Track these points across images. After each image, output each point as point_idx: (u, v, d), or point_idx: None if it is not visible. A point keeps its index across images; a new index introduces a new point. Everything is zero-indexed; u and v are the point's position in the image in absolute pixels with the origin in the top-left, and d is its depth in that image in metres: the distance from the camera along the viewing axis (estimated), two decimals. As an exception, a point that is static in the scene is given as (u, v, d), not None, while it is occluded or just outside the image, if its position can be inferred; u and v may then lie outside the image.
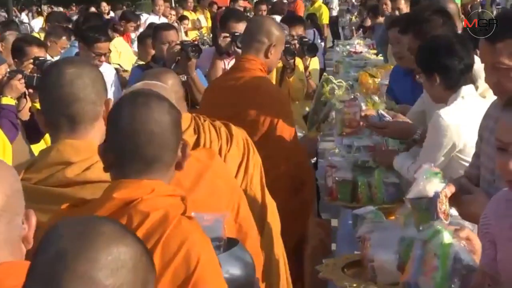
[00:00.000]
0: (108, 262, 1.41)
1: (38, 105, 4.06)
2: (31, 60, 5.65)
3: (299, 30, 6.93)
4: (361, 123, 4.05)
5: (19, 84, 4.92)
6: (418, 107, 4.30)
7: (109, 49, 6.68)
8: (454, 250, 2.09)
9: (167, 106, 2.42)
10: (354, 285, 2.74)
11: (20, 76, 4.99)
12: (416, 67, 3.73)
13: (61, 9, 26.18)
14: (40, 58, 5.64)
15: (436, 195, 2.67)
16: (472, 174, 3.00)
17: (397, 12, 8.32)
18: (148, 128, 2.34)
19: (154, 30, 6.82)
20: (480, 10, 16.98)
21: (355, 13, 14.78)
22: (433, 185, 2.72)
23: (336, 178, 3.96)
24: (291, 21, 6.97)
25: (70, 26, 9.54)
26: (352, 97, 4.19)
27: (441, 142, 3.40)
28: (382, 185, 3.86)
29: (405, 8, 8.15)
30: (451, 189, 2.74)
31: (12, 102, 4.92)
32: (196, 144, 3.35)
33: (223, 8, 13.19)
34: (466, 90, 3.48)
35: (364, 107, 4.05)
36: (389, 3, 10.05)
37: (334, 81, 4.89)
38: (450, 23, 4.36)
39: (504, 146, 2.17)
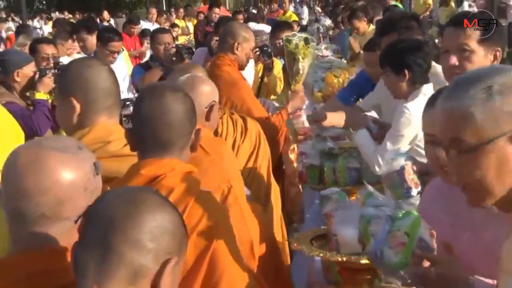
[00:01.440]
0: (153, 227, 1.43)
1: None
2: (43, 55, 5.79)
3: (287, 33, 6.93)
4: (311, 130, 4.08)
5: (50, 80, 5.01)
6: (372, 101, 4.33)
7: (122, 48, 6.70)
8: (421, 231, 2.09)
9: (181, 96, 2.45)
10: (321, 254, 2.76)
11: (50, 73, 5.08)
12: (381, 65, 3.68)
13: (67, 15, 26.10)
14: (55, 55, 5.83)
15: (402, 167, 2.77)
16: None
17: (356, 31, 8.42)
18: (163, 116, 2.37)
19: (152, 33, 7.00)
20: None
21: (326, 23, 14.80)
22: (399, 162, 2.80)
23: (306, 164, 3.98)
24: (281, 26, 6.97)
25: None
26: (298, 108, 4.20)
27: (406, 132, 3.39)
28: (345, 169, 3.88)
29: (362, 26, 8.18)
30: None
31: (45, 96, 5.01)
32: (215, 134, 3.38)
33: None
34: (427, 88, 3.48)
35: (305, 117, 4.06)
36: (345, 21, 10.13)
37: (293, 37, 4.91)
38: (421, 28, 4.45)
39: (432, 139, 2.16)
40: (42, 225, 1.63)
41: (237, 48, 4.87)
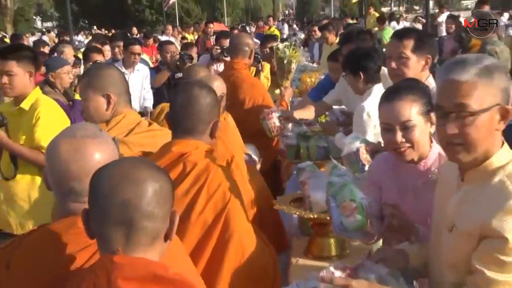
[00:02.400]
0: (159, 198, 1.33)
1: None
2: (93, 61, 5.91)
3: (274, 43, 6.95)
4: (281, 126, 4.03)
5: None
6: (335, 96, 4.28)
7: (141, 52, 6.68)
8: (359, 193, 2.05)
9: (205, 91, 2.42)
10: (297, 212, 2.74)
11: None
12: (343, 68, 3.65)
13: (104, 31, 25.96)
14: (98, 61, 5.85)
15: (358, 149, 2.76)
16: None
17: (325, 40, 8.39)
18: (189, 107, 2.36)
19: (160, 44, 7.06)
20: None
21: (301, 36, 14.88)
22: (355, 145, 2.78)
23: (286, 144, 4.00)
24: (267, 38, 7.01)
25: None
26: (270, 110, 4.09)
27: (368, 124, 3.34)
28: (316, 148, 3.88)
29: (330, 37, 8.13)
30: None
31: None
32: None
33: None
34: (378, 87, 3.44)
35: (276, 118, 4.02)
36: (317, 32, 10.15)
37: (281, 45, 4.95)
38: (372, 39, 4.53)
39: (388, 127, 2.12)
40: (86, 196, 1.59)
41: (250, 55, 4.71)
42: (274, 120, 4.01)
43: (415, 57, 2.79)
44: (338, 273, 1.73)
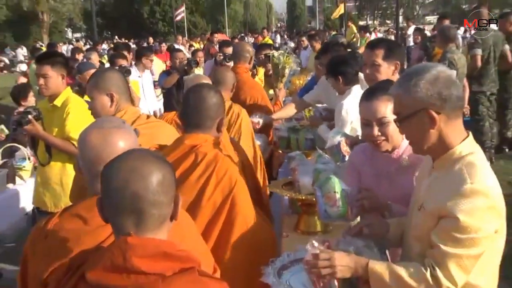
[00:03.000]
0: (165, 186, 1.29)
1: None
2: (117, 66, 5.80)
3: (267, 51, 6.93)
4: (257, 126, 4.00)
5: None
6: (314, 97, 4.25)
7: (153, 59, 6.78)
8: (341, 185, 2.03)
9: (212, 93, 2.40)
10: (288, 194, 2.75)
11: None
12: (326, 73, 3.65)
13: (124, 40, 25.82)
14: (122, 66, 5.78)
15: (339, 142, 2.75)
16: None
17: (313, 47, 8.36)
18: (198, 105, 2.35)
19: (171, 52, 7.28)
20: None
21: (291, 45, 14.87)
22: (337, 138, 2.77)
23: (278, 136, 4.00)
24: (262, 46, 6.99)
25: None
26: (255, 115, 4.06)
27: (346, 119, 3.33)
28: (304, 139, 3.89)
29: (317, 46, 8.10)
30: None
31: None
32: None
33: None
34: (356, 88, 3.42)
35: (258, 119, 4.00)
36: (305, 41, 10.17)
37: (276, 53, 4.96)
38: (344, 49, 4.58)
39: (366, 122, 2.12)
40: None
41: (250, 60, 4.72)
42: (255, 122, 3.98)
43: (386, 64, 2.76)
44: (316, 245, 1.72)
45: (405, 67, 8.86)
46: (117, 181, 1.27)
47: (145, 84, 6.47)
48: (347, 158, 2.67)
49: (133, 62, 7.04)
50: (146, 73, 6.58)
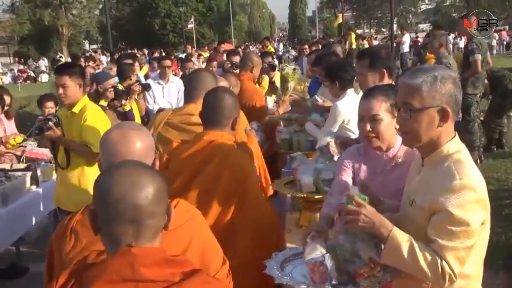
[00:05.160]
0: (152, 195, 1.24)
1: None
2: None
3: (269, 58, 6.96)
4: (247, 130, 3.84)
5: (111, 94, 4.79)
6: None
7: (170, 66, 6.54)
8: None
9: (228, 95, 2.52)
10: (290, 193, 2.75)
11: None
12: (323, 78, 3.67)
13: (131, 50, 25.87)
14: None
15: (328, 143, 2.78)
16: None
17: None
18: (215, 106, 2.47)
19: (181, 62, 7.52)
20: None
21: (292, 53, 14.91)
22: (326, 140, 2.80)
23: (281, 138, 3.99)
24: (264, 54, 7.01)
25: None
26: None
27: (337, 119, 3.33)
28: (305, 141, 3.87)
29: None
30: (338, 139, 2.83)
31: (128, 107, 4.72)
32: None
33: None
34: (350, 91, 3.43)
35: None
36: (308, 48, 10.16)
37: (285, 67, 5.03)
38: (339, 57, 4.55)
39: (361, 117, 2.12)
40: None
41: (253, 69, 4.76)
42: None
43: (370, 73, 2.72)
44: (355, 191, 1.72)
45: (400, 72, 8.86)
46: (116, 193, 1.22)
47: (170, 93, 6.20)
48: (335, 158, 2.68)
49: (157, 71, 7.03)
50: (172, 80, 6.29)
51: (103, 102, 4.62)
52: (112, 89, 4.66)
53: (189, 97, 3.17)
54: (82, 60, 10.03)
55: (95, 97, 4.60)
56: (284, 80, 5.01)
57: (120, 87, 4.95)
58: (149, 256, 1.22)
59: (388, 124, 2.08)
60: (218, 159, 2.36)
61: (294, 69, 5.01)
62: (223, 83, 3.57)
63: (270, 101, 5.36)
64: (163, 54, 16.52)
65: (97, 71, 8.11)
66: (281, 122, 4.31)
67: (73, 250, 1.57)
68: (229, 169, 2.34)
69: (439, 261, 1.56)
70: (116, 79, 5.18)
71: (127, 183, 1.23)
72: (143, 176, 1.26)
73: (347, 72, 3.45)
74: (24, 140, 4.70)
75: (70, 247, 1.59)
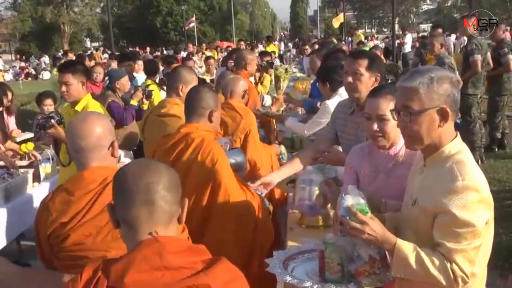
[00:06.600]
0: (165, 180, 1.30)
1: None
2: None
3: (268, 58, 7.06)
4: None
5: (140, 93, 5.02)
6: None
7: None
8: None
9: (206, 89, 2.68)
10: (292, 191, 2.77)
11: (140, 89, 5.10)
12: (317, 77, 3.78)
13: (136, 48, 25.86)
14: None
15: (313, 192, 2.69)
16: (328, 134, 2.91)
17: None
18: (192, 97, 2.65)
19: (182, 61, 7.34)
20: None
21: (293, 52, 14.89)
22: (313, 189, 2.66)
23: (283, 137, 4.05)
24: (263, 53, 7.09)
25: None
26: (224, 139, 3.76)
27: (325, 117, 3.35)
28: (306, 139, 3.92)
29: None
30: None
31: (135, 103, 4.95)
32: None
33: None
34: (342, 89, 3.39)
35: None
36: (308, 48, 10.15)
37: (279, 67, 5.09)
38: (343, 56, 4.37)
39: (368, 116, 2.11)
40: (91, 151, 1.86)
41: (247, 67, 4.85)
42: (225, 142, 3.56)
43: (368, 74, 2.60)
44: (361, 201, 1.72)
45: (400, 71, 8.85)
46: (131, 175, 1.29)
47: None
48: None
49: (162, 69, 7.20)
50: None
51: (134, 102, 4.88)
52: (135, 87, 5.03)
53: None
54: (87, 59, 10.03)
55: (108, 93, 4.88)
56: (277, 79, 5.09)
57: (149, 82, 5.46)
58: (174, 244, 1.26)
59: (394, 124, 2.07)
60: (191, 149, 2.54)
61: (286, 70, 5.12)
62: (242, 82, 3.76)
63: (268, 98, 5.39)
64: (165, 52, 16.50)
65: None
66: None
67: (46, 222, 1.82)
68: (200, 158, 2.50)
69: (448, 264, 1.56)
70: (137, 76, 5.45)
71: (142, 168, 1.32)
72: (157, 165, 1.33)
73: (338, 74, 3.45)
74: (35, 146, 4.70)
75: (43, 219, 1.84)
